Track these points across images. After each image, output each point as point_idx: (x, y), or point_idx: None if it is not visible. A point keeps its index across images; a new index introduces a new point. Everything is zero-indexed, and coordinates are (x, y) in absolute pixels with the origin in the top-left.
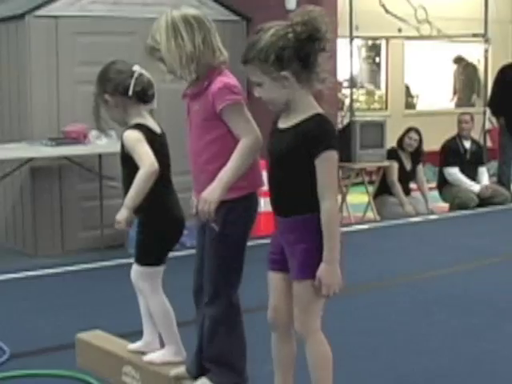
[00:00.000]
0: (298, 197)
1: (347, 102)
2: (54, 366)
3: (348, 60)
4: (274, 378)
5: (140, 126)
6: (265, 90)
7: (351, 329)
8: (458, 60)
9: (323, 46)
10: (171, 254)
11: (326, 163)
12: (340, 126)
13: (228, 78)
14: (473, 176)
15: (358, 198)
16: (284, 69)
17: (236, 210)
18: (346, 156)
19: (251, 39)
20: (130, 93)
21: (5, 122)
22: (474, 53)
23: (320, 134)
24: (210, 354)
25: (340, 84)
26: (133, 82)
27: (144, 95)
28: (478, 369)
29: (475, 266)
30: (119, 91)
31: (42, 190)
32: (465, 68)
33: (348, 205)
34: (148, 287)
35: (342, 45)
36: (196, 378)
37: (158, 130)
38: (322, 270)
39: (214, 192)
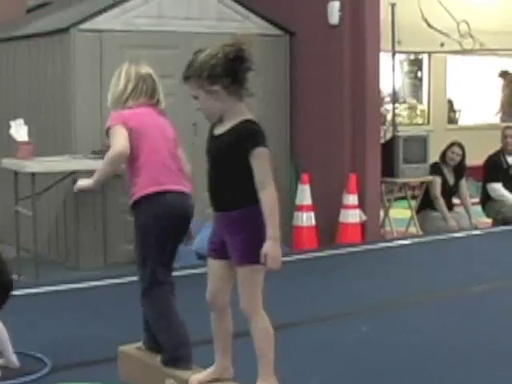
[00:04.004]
0: (233, 194)
1: (389, 116)
2: (96, 379)
3: (390, 74)
4: (214, 349)
5: None
6: (200, 102)
7: (395, 342)
8: (503, 74)
9: (249, 65)
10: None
11: (259, 158)
12: (382, 141)
13: (123, 111)
14: None
15: (401, 212)
16: (215, 83)
17: (141, 210)
18: (388, 170)
19: (190, 59)
20: None
21: (48, 134)
22: None
23: (249, 134)
24: None
25: (382, 99)
26: None
27: None
28: None
29: None
30: None
31: (85, 202)
32: (510, 82)
33: (391, 219)
34: None
35: (384, 59)
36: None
37: None
38: (267, 246)
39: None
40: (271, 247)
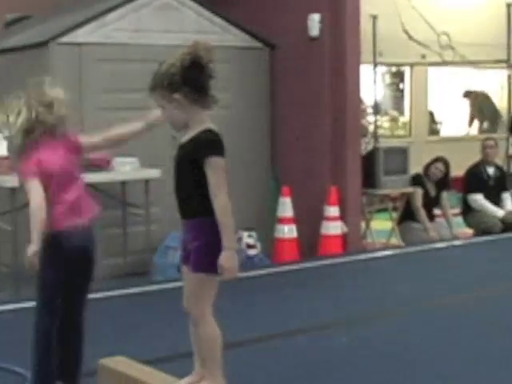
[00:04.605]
0: (193, 202)
1: (371, 128)
2: None
3: (372, 86)
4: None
5: None
6: (165, 112)
7: (375, 354)
8: (467, 94)
9: (209, 72)
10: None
11: (213, 167)
12: (364, 153)
13: (31, 156)
14: (496, 201)
15: (382, 224)
16: (175, 92)
17: (43, 248)
18: (370, 182)
19: (155, 71)
20: None
21: None
22: (497, 78)
23: (205, 143)
24: None
25: (364, 110)
26: None
27: None
28: None
29: (500, 292)
30: None
31: None
32: (476, 98)
33: (372, 231)
34: None
35: (365, 71)
36: None
37: None
38: (222, 257)
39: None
40: (226, 258)
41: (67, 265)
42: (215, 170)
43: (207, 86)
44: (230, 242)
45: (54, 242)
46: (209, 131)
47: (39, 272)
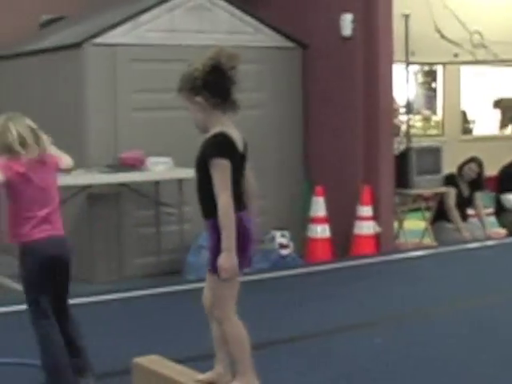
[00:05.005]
0: (207, 202)
1: (404, 127)
2: None
3: (404, 86)
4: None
5: None
6: (190, 113)
7: (407, 355)
8: (497, 103)
9: (229, 78)
10: None
11: (216, 168)
12: (397, 152)
13: (11, 161)
14: None
15: (415, 224)
16: (197, 95)
17: (20, 255)
18: (402, 182)
19: (183, 72)
20: None
21: (62, 149)
22: None
23: (211, 145)
24: None
25: (396, 110)
26: None
27: None
28: None
29: None
30: None
31: (99, 216)
32: (506, 107)
33: (405, 231)
34: None
35: (398, 70)
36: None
37: None
38: (220, 257)
39: None
40: (223, 258)
41: (43, 270)
42: (218, 171)
43: (228, 91)
44: (228, 243)
45: (28, 252)
46: (219, 134)
47: (22, 279)
